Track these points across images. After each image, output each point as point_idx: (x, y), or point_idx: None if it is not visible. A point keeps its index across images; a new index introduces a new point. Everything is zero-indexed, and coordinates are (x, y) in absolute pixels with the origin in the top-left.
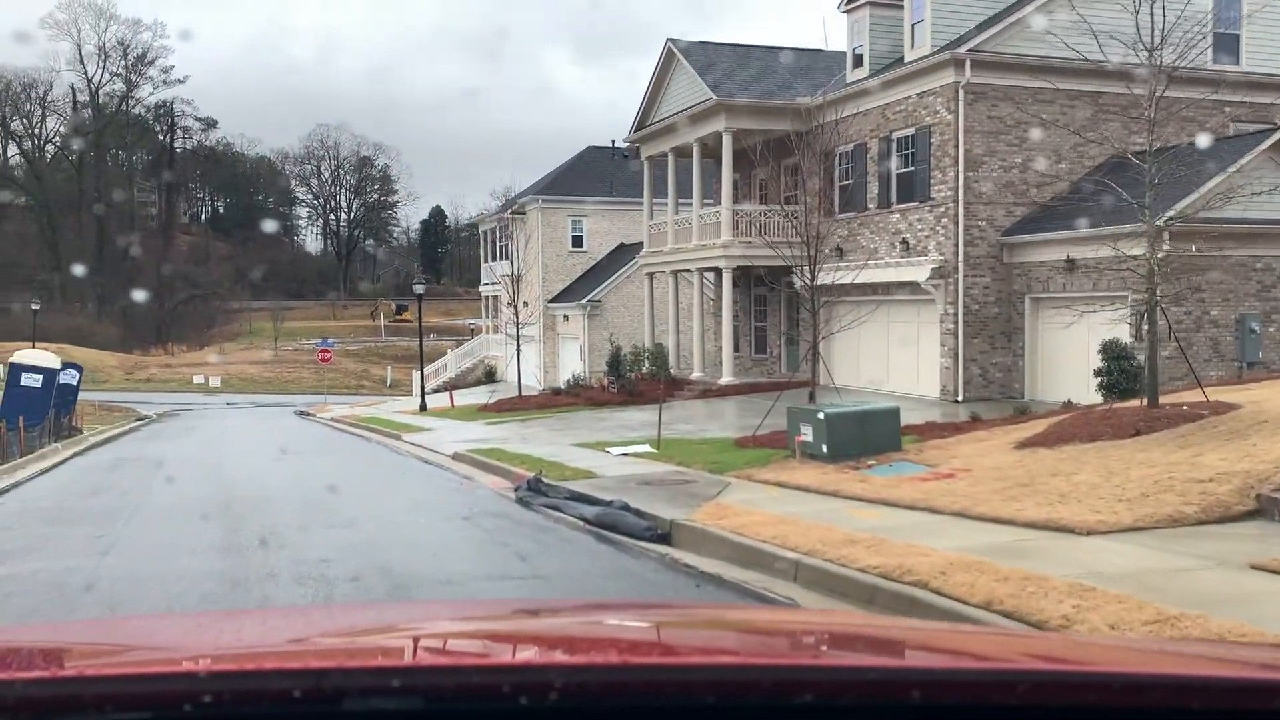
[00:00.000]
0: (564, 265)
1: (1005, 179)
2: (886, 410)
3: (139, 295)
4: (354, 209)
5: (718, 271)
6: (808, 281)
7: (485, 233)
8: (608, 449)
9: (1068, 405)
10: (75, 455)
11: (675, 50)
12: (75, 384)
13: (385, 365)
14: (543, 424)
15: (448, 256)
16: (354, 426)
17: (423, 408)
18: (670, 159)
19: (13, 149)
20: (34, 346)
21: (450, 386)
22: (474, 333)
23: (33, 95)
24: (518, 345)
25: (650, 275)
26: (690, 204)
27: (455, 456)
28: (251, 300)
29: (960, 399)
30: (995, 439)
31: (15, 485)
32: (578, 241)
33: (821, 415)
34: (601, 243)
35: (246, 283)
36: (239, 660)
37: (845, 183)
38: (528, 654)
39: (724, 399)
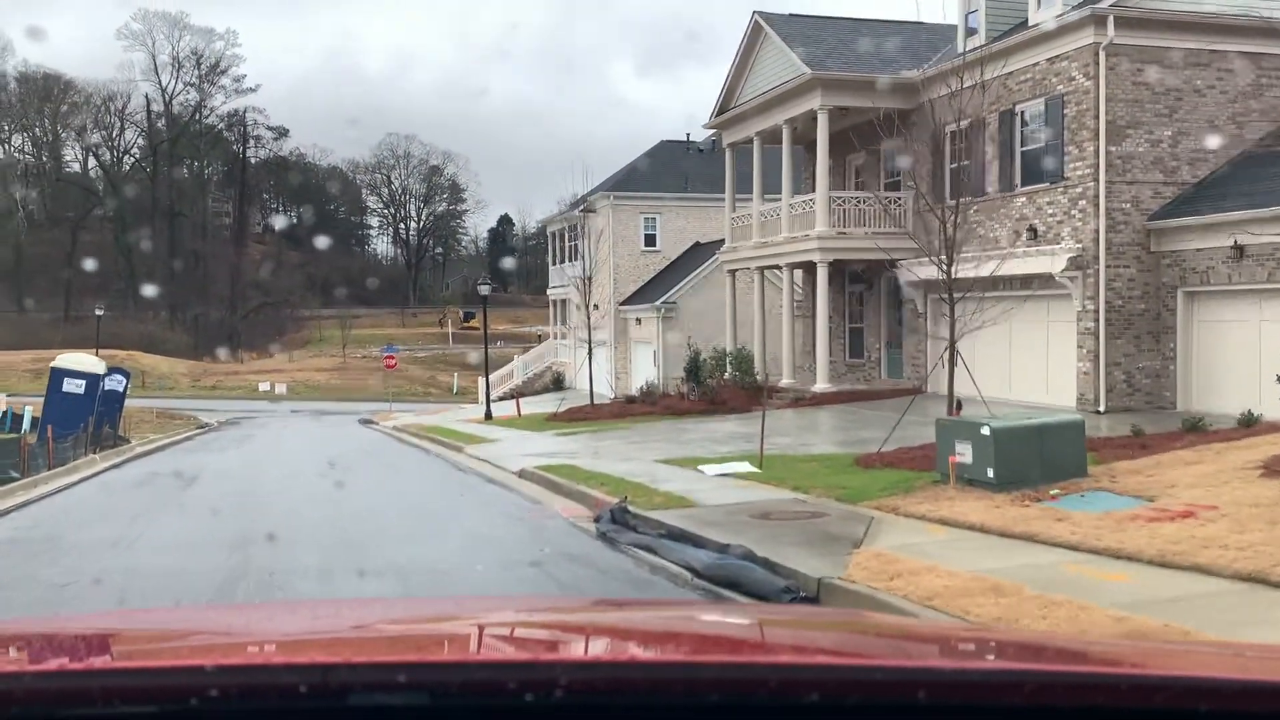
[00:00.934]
0: (636, 265)
1: (1152, 154)
2: (1067, 424)
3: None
4: (423, 217)
5: (809, 267)
6: (941, 273)
7: (554, 234)
8: (700, 467)
9: (1248, 419)
10: (111, 468)
11: (763, 22)
12: (122, 390)
13: (452, 372)
14: (618, 436)
15: (515, 264)
16: (415, 436)
17: (488, 416)
18: (755, 145)
19: (91, 160)
20: (97, 353)
21: (517, 394)
22: (540, 339)
23: (111, 108)
24: (589, 350)
25: (732, 273)
26: (777, 195)
27: (522, 474)
28: (321, 308)
29: (1102, 409)
30: (1208, 462)
31: (21, 505)
32: (650, 240)
33: (987, 430)
34: (676, 241)
35: (317, 291)
36: (245, 655)
37: (958, 164)
38: (534, 650)
39: (820, 408)
